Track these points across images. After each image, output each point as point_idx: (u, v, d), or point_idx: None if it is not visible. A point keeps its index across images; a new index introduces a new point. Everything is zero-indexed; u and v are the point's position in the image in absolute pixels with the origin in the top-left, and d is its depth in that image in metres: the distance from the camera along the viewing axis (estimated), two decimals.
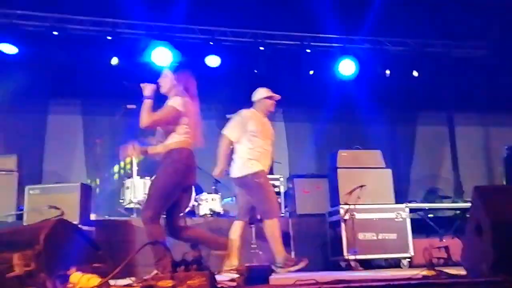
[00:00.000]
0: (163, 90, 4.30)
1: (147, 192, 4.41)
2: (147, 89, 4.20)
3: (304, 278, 2.80)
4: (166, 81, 4.32)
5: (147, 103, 4.14)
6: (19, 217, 6.01)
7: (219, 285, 2.65)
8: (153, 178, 4.20)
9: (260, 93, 5.33)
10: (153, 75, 7.65)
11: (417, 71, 8.73)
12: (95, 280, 2.65)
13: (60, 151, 8.26)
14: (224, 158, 5.17)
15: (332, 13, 7.65)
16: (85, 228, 5.48)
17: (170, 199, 4.07)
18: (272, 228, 4.97)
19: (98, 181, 7.01)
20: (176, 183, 4.07)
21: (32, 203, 5.92)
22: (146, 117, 4.08)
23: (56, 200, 5.59)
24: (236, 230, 5.11)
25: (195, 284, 2.47)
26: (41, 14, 7.41)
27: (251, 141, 5.10)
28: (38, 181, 7.21)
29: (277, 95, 5.36)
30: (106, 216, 6.76)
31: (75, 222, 4.92)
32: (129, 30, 7.89)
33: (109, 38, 7.75)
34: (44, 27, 7.50)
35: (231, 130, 5.17)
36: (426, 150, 9.41)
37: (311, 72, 8.50)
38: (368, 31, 8.24)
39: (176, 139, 4.14)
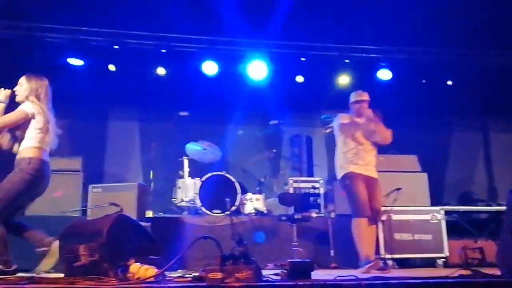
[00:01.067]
0: (18, 98, 4.18)
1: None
2: (1, 94, 4.14)
3: (344, 274, 2.77)
4: (21, 90, 4.18)
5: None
6: (84, 212, 6.14)
7: (264, 278, 2.65)
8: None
9: (350, 98, 5.33)
10: (203, 84, 7.91)
11: (451, 79, 8.53)
12: (152, 271, 2.71)
13: (119, 153, 8.44)
14: None
15: (370, 25, 7.56)
16: (142, 223, 5.53)
17: (13, 206, 4.05)
18: (353, 227, 4.96)
19: (152, 184, 7.12)
20: (21, 193, 4.03)
21: (95, 200, 6.05)
22: None
23: (115, 197, 5.72)
24: None
25: (242, 276, 2.49)
26: (103, 30, 7.62)
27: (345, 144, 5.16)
28: (100, 180, 7.34)
29: (364, 96, 5.26)
30: (160, 213, 6.84)
31: (133, 218, 5.01)
32: (180, 44, 8.00)
33: (163, 51, 7.89)
34: (106, 42, 7.72)
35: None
36: (460, 156, 9.14)
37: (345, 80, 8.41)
38: (404, 41, 8.10)
39: (27, 145, 4.08)
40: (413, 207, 6.02)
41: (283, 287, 2.27)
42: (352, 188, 4.99)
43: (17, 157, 4.09)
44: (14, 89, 4.17)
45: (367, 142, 5.19)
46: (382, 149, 6.71)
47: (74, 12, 7.15)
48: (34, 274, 3.73)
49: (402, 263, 5.80)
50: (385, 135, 5.22)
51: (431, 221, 5.95)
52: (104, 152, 8.36)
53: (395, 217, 5.87)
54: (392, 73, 8.31)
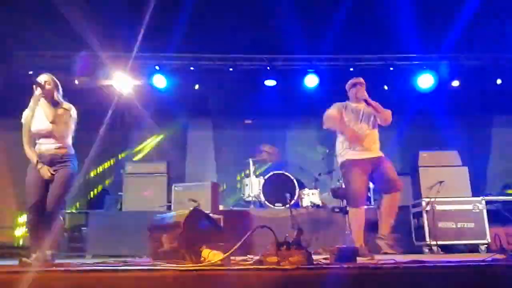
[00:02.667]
0: (51, 95, 3.66)
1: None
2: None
3: (385, 259, 2.71)
4: (52, 88, 3.69)
5: None
6: (168, 207, 6.35)
7: (314, 262, 2.65)
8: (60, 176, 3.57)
9: (347, 85, 4.62)
10: (265, 95, 7.99)
11: (492, 80, 8.04)
12: (220, 255, 2.78)
13: (197, 158, 8.69)
14: None
15: (413, 33, 7.28)
16: (215, 216, 5.62)
17: None
18: (349, 216, 4.47)
19: (225, 185, 7.26)
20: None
21: (177, 197, 6.26)
22: None
23: (194, 194, 5.91)
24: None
25: (295, 260, 2.49)
26: (180, 55, 7.91)
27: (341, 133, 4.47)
28: (182, 180, 7.53)
29: (360, 79, 4.52)
30: (231, 207, 6.97)
31: (207, 212, 5.15)
32: (246, 63, 8.13)
33: (231, 69, 8.05)
34: (184, 64, 8.02)
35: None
36: (501, 151, 8.56)
37: (386, 87, 8.16)
38: (446, 48, 7.74)
39: (71, 142, 3.74)
40: (455, 198, 5.72)
41: (330, 269, 2.26)
42: (346, 176, 4.36)
43: (68, 152, 3.67)
44: (47, 88, 3.64)
45: (364, 126, 4.44)
46: (425, 146, 6.46)
47: (157, 41, 7.47)
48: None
49: (447, 249, 5.54)
50: (385, 116, 4.43)
51: (473, 210, 5.62)
52: (185, 157, 8.65)
53: (438, 207, 5.61)
54: (433, 78, 7.97)
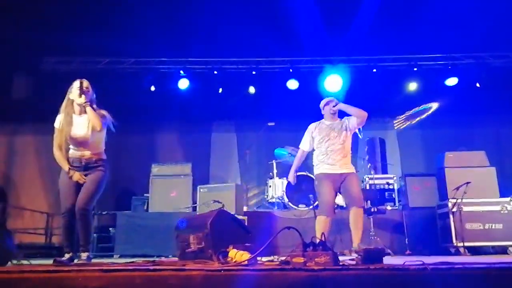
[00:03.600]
0: (89, 101, 3.59)
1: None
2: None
3: (413, 260, 2.68)
4: (91, 94, 3.67)
5: None
6: (194, 208, 6.41)
7: (340, 263, 2.64)
8: (93, 177, 3.60)
9: (321, 104, 4.92)
10: (286, 98, 8.00)
11: None
12: (246, 255, 2.80)
13: (221, 159, 8.74)
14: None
15: (437, 35, 7.17)
16: (239, 217, 5.58)
17: None
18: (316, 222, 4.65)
19: (248, 186, 7.27)
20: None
21: (202, 198, 6.31)
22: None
23: (218, 196, 5.94)
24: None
25: (321, 261, 2.48)
26: (205, 59, 8.00)
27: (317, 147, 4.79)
28: (206, 182, 7.63)
29: (329, 98, 4.87)
30: (255, 208, 6.99)
31: (232, 212, 5.18)
32: (268, 66, 8.17)
33: (254, 73, 8.09)
34: (208, 68, 8.10)
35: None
36: None
37: (414, 86, 8.03)
38: (471, 48, 7.60)
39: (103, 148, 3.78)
40: (482, 199, 5.58)
41: (356, 271, 2.24)
42: (318, 188, 4.68)
43: (101, 157, 3.72)
44: (87, 92, 3.62)
45: (336, 142, 4.68)
46: (451, 147, 6.34)
47: (182, 47, 7.59)
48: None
49: (474, 251, 5.41)
50: (356, 113, 4.69)
51: (501, 211, 5.48)
52: (209, 159, 8.72)
53: (465, 208, 5.49)
54: (458, 78, 7.83)
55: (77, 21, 6.52)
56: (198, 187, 6.46)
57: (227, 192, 6.09)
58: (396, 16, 6.82)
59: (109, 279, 2.07)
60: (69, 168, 3.56)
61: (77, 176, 3.55)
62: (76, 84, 3.60)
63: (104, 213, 6.77)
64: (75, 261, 3.49)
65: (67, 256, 3.50)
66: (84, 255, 3.51)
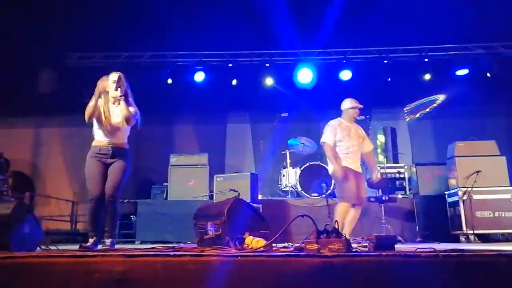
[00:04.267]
0: (123, 93, 3.67)
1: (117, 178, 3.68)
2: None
3: (423, 247, 2.66)
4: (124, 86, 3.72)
5: None
6: (211, 197, 6.47)
7: (353, 250, 2.63)
8: (120, 165, 3.67)
9: (345, 104, 5.00)
10: (299, 89, 7.95)
11: None
12: (262, 242, 2.82)
13: (236, 150, 8.76)
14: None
15: (448, 25, 7.01)
16: (254, 205, 5.60)
17: None
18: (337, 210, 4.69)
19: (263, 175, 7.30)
20: None
21: (218, 187, 6.31)
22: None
23: (234, 185, 5.98)
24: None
25: (335, 247, 2.48)
26: (220, 52, 7.98)
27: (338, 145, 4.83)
28: (222, 171, 7.67)
29: (360, 105, 4.97)
30: (269, 196, 7.01)
31: (247, 201, 5.21)
32: (282, 58, 8.11)
33: (267, 65, 8.05)
34: (222, 61, 8.09)
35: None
36: None
37: (428, 77, 7.89)
38: (482, 38, 7.42)
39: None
40: (492, 187, 5.50)
41: (369, 257, 2.24)
42: (344, 179, 4.65)
43: (126, 147, 3.81)
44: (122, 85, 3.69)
45: (354, 143, 4.86)
46: (461, 137, 6.25)
47: (197, 40, 7.58)
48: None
49: (484, 238, 5.35)
50: (368, 146, 5.05)
51: (511, 199, 5.40)
52: (224, 149, 8.74)
53: (475, 196, 5.43)
54: (469, 68, 7.67)
55: (98, 17, 6.56)
56: (214, 176, 6.48)
57: (243, 181, 6.09)
58: (407, 7, 6.68)
59: (131, 264, 2.11)
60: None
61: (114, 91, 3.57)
62: (112, 76, 3.65)
63: (125, 201, 6.88)
64: (99, 246, 3.57)
65: (91, 241, 3.56)
66: (108, 241, 3.59)
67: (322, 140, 4.88)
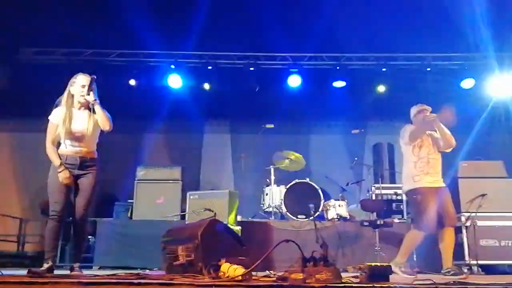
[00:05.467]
0: (96, 97, 3.81)
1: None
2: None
3: (422, 278, 2.70)
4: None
5: None
6: (183, 217, 6.37)
7: (343, 280, 2.65)
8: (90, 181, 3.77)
9: (412, 111, 4.91)
10: (287, 97, 8.03)
11: None
12: (240, 270, 2.81)
13: (213, 164, 8.76)
14: None
15: (451, 34, 7.21)
16: (232, 227, 5.54)
17: None
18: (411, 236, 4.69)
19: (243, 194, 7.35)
20: None
21: (192, 206, 6.23)
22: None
23: (210, 203, 5.92)
24: None
25: (323, 277, 2.50)
26: (198, 52, 7.98)
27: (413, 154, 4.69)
28: (196, 188, 7.65)
29: (428, 107, 4.80)
30: (250, 218, 6.99)
31: (224, 222, 5.18)
32: (269, 62, 8.18)
33: (252, 69, 8.11)
34: (201, 63, 8.12)
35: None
36: None
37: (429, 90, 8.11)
38: (486, 48, 7.65)
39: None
40: (499, 213, 5.62)
41: None
42: (423, 203, 4.54)
43: (95, 156, 3.89)
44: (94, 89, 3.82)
45: (436, 150, 4.73)
46: (466, 156, 6.38)
47: (173, 38, 7.59)
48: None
49: (488, 270, 5.45)
50: (449, 139, 4.68)
51: None
52: (201, 162, 8.73)
53: (480, 223, 5.53)
54: (475, 79, 7.91)
55: (59, 7, 6.51)
56: (188, 194, 6.41)
57: (220, 200, 6.05)
58: (408, 15, 6.86)
59: None
60: (60, 163, 3.68)
61: (65, 173, 3.65)
62: (81, 79, 3.78)
63: None
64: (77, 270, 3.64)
65: (45, 266, 3.53)
66: (76, 265, 3.67)
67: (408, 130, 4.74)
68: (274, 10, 6.71)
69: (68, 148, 3.73)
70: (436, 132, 4.75)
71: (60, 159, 3.70)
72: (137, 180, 6.89)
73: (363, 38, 7.45)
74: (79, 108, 3.79)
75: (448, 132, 4.68)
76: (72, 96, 3.77)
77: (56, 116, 3.74)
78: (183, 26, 7.00)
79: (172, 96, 8.14)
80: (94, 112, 3.76)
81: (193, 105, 8.27)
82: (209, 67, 8.09)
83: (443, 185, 4.68)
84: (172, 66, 8.03)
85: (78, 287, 2.13)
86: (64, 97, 3.78)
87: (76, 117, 3.75)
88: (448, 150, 4.77)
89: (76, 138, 3.74)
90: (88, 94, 3.71)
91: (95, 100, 3.72)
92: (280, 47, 7.75)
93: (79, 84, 3.74)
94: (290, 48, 7.91)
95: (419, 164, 4.64)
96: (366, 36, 7.41)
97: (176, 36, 7.46)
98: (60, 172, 3.64)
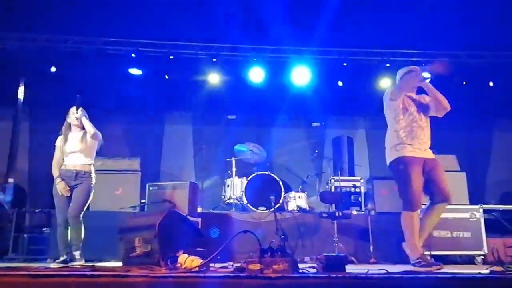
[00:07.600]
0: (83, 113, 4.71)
1: None
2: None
3: (376, 268, 2.75)
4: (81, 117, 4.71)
5: None
6: (142, 208, 6.28)
7: (300, 271, 2.68)
8: (83, 188, 4.56)
9: (399, 73, 4.27)
10: (249, 89, 8.01)
11: (493, 81, 8.20)
12: (198, 261, 2.79)
13: (174, 154, 8.65)
14: None
15: (413, 30, 7.38)
16: (193, 219, 5.60)
17: None
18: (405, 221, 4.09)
19: (203, 185, 7.27)
20: None
21: (151, 197, 6.19)
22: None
23: (170, 195, 5.88)
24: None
25: (279, 268, 2.52)
26: (160, 42, 7.82)
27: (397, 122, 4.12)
28: (157, 179, 7.52)
29: (413, 68, 4.19)
30: (210, 210, 6.97)
31: (184, 214, 5.11)
32: (231, 53, 8.12)
33: (214, 60, 8.03)
34: (162, 52, 7.96)
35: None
36: (502, 156, 8.72)
37: (388, 85, 8.25)
38: (447, 45, 7.89)
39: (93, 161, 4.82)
40: (451, 206, 5.81)
41: (317, 279, 2.29)
42: (405, 175, 4.00)
43: (90, 169, 4.68)
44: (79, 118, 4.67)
45: (422, 117, 4.17)
46: None
47: (133, 26, 7.41)
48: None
49: (441, 260, 5.63)
50: (443, 102, 4.14)
51: (470, 219, 5.75)
52: (160, 153, 8.61)
53: None
54: (431, 74, 8.10)
55: None
56: (147, 185, 6.34)
57: (180, 191, 5.99)
58: (373, 9, 6.97)
59: (37, 286, 2.00)
60: (58, 176, 4.52)
61: (62, 185, 4.47)
62: (73, 109, 4.68)
63: (37, 210, 6.53)
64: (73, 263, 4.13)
65: (61, 259, 4.26)
66: (77, 253, 4.29)
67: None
68: (239, 3, 6.69)
69: (66, 163, 4.57)
70: (425, 98, 4.25)
71: (59, 173, 4.52)
72: (95, 170, 6.70)
73: (322, 32, 7.50)
74: (75, 131, 4.65)
75: (439, 93, 4.16)
76: (69, 124, 4.66)
77: (57, 142, 4.68)
78: (146, 12, 6.86)
79: (133, 85, 7.95)
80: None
81: (154, 95, 8.13)
82: (171, 57, 7.94)
83: (432, 156, 4.14)
84: (133, 55, 7.83)
85: (26, 280, 2.04)
86: (63, 127, 4.70)
87: (70, 139, 4.63)
88: (442, 114, 4.23)
89: (71, 155, 4.58)
90: (77, 112, 4.59)
91: (81, 115, 4.58)
92: (243, 39, 7.72)
93: (72, 112, 4.62)
94: (252, 40, 7.88)
95: (401, 133, 4.10)
96: (325, 30, 7.45)
97: (138, 23, 7.29)
98: (57, 183, 4.48)
